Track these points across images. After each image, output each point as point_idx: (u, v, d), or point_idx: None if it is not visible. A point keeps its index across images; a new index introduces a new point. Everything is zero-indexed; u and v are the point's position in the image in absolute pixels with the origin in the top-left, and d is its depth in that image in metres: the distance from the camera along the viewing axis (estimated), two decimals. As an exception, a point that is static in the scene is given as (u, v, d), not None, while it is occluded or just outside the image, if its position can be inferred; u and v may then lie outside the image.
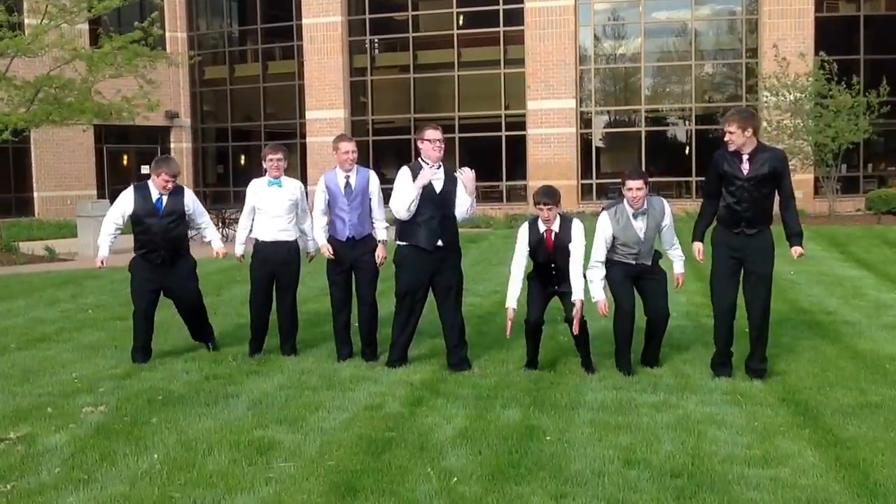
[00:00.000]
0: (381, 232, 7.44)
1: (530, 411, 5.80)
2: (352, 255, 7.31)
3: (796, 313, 9.21)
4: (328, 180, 7.34)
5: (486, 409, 5.86)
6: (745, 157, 6.40)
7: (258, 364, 7.31)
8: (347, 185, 7.29)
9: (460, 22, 28.07)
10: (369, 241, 7.39)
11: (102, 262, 7.57)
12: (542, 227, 6.75)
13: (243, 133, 31.42)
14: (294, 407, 5.99)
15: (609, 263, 6.76)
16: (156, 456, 5.03)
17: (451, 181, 6.99)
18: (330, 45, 28.07)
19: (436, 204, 6.90)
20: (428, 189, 6.88)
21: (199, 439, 5.31)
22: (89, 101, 17.72)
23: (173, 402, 6.19)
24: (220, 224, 18.62)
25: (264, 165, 7.57)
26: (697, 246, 6.78)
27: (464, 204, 7.00)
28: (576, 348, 6.92)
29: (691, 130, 26.92)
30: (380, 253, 7.37)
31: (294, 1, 28.76)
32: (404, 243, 6.99)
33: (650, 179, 7.03)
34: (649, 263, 6.81)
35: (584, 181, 27.05)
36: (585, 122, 27.37)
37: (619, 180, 7.20)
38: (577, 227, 6.73)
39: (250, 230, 7.68)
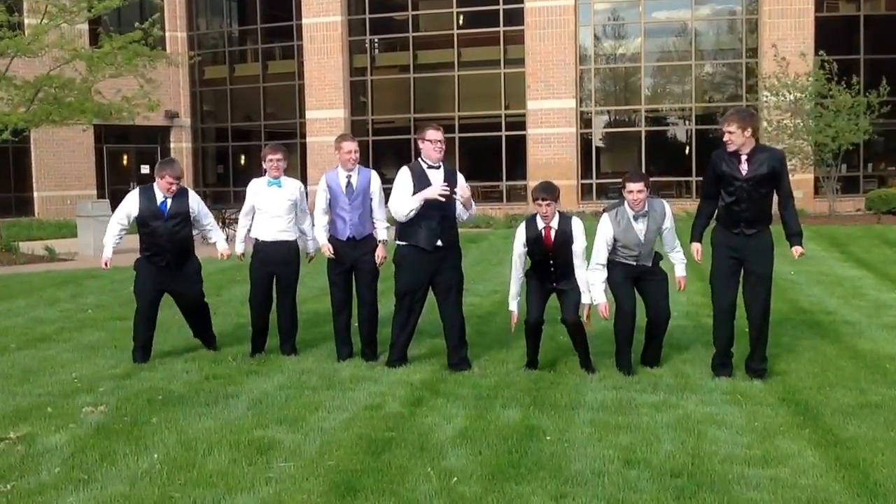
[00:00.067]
0: (382, 232, 7.44)
1: (530, 411, 5.80)
2: (352, 255, 7.32)
3: (796, 313, 9.21)
4: (330, 180, 7.35)
5: (486, 409, 5.86)
6: (744, 157, 6.40)
7: (258, 364, 7.31)
8: (349, 184, 7.29)
9: (460, 22, 28.08)
10: (370, 241, 7.39)
11: (106, 264, 7.64)
12: (540, 224, 6.73)
13: (243, 133, 31.42)
14: (294, 407, 5.99)
15: (610, 265, 6.76)
16: (156, 456, 5.03)
17: (451, 181, 6.99)
18: (330, 45, 28.07)
19: (436, 204, 6.90)
20: (428, 189, 6.90)
21: (199, 439, 5.31)
22: (89, 101, 17.72)
23: (173, 401, 6.19)
24: (221, 224, 18.60)
25: (264, 165, 7.58)
26: (696, 246, 6.79)
27: (462, 215, 7.07)
28: (574, 348, 6.93)
29: (691, 130, 26.92)
30: (380, 253, 7.38)
31: (294, 1, 28.76)
32: (404, 243, 6.98)
33: (650, 179, 7.03)
34: (650, 265, 6.81)
35: (584, 181, 27.05)
36: (585, 121, 27.37)
37: (619, 180, 7.20)
38: (577, 224, 6.73)
39: (249, 229, 7.70)
